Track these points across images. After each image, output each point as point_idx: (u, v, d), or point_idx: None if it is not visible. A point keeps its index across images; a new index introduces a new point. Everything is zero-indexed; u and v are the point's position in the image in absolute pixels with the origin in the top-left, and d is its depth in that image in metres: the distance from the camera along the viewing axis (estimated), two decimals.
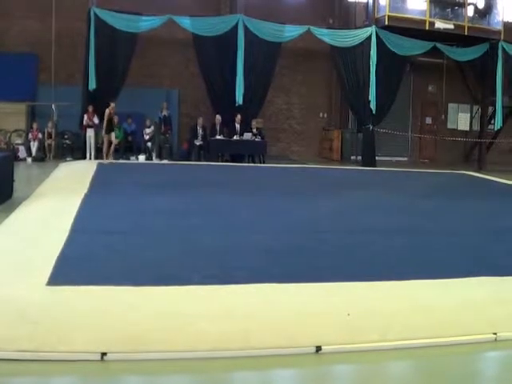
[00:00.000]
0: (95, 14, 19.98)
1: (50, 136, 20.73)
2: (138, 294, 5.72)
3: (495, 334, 5.89)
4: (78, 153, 20.46)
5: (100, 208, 10.59)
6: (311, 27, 21.58)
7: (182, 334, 5.09)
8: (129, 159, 20.45)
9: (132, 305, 5.49)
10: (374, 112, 22.37)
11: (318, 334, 5.35)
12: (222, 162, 21.04)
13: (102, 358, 4.77)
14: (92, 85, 19.99)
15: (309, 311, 5.78)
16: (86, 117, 20.09)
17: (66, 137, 21.54)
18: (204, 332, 5.14)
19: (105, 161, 18.85)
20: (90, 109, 19.98)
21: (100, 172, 15.90)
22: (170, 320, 5.28)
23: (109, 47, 20.28)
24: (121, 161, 19.87)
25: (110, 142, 20.04)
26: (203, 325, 5.26)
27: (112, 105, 19.85)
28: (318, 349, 5.12)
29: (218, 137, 21.24)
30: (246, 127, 21.53)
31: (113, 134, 20.06)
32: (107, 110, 19.77)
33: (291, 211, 11.48)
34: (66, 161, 18.97)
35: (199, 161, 20.72)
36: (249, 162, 21.35)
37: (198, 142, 21.17)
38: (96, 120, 20.12)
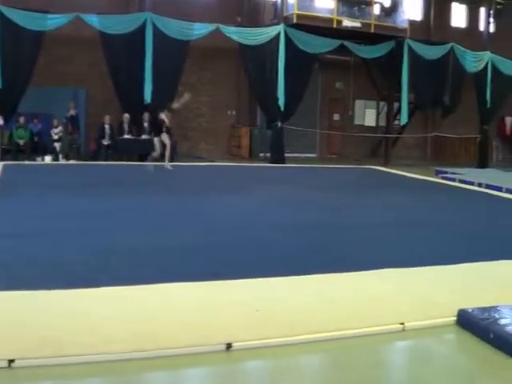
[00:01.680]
0: (0, 11, 19.50)
1: None
2: (46, 297, 5.72)
3: (402, 324, 6.00)
4: None
5: (6, 210, 10.47)
6: (220, 25, 21.66)
7: (93, 337, 5.07)
8: (35, 160, 20.06)
9: (40, 309, 5.48)
10: (282, 109, 22.62)
11: (229, 331, 5.39)
12: (131, 161, 20.87)
13: (9, 365, 4.62)
14: None
15: (218, 308, 5.92)
16: None
17: None
18: (115, 333, 5.16)
19: (166, 164, 18.42)
20: None
21: (6, 174, 15.69)
22: (81, 323, 5.30)
23: (14, 46, 19.75)
24: (26, 162, 19.51)
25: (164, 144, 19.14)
26: (114, 326, 5.30)
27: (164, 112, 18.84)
28: (229, 346, 5.16)
29: (126, 136, 21.12)
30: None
31: (163, 135, 18.78)
32: (161, 115, 18.69)
33: (203, 209, 11.64)
34: None
35: (107, 160, 20.52)
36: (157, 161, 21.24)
37: (105, 142, 20.98)
38: (0, 121, 19.69)
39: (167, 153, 18.43)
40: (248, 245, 8.81)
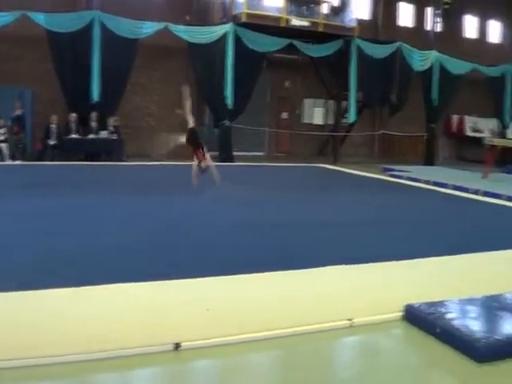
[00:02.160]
0: None
1: None
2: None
3: (350, 320, 6.11)
4: None
5: None
6: (169, 24, 21.62)
7: (40, 339, 5.10)
8: None
9: None
10: (230, 108, 22.73)
11: (177, 331, 5.43)
12: (78, 161, 20.67)
13: None
14: None
15: (167, 308, 5.97)
16: None
17: None
18: (63, 335, 5.18)
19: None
20: None
21: None
22: (29, 325, 5.32)
23: None
24: None
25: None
26: (62, 327, 5.32)
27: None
28: (177, 346, 5.20)
29: (72, 135, 20.95)
30: (103, 125, 21.39)
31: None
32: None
33: (151, 209, 11.66)
34: None
35: (53, 161, 20.31)
36: (106, 161, 21.16)
37: (52, 142, 20.76)
38: None
39: None
40: (197, 244, 8.86)
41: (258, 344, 5.59)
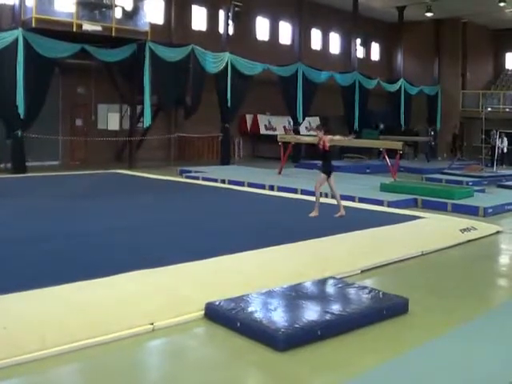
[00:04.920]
0: None
1: None
2: None
3: (152, 324, 6.61)
4: None
5: None
6: None
7: None
8: None
9: None
10: (22, 117, 22.53)
11: None
12: None
13: None
14: None
15: None
16: None
17: None
18: None
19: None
20: None
21: None
22: None
23: None
24: None
25: None
26: None
27: None
28: None
29: None
30: None
31: None
32: None
33: None
34: None
35: None
36: None
37: None
38: None
39: None
40: None
41: (64, 357, 5.85)
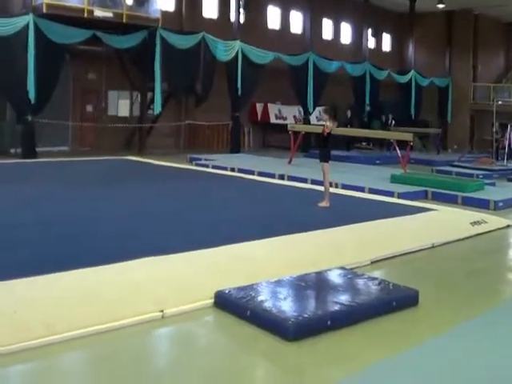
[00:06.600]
0: None
1: None
2: None
3: (162, 311, 6.58)
4: None
5: None
6: None
7: None
8: None
9: None
10: (33, 102, 22.63)
11: None
12: None
13: None
14: None
15: None
16: None
17: None
18: None
19: None
20: None
21: None
22: None
23: None
24: None
25: None
26: None
27: None
28: None
29: None
30: None
31: None
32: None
33: None
34: None
35: None
36: None
37: None
38: None
39: None
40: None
41: (71, 343, 5.82)
